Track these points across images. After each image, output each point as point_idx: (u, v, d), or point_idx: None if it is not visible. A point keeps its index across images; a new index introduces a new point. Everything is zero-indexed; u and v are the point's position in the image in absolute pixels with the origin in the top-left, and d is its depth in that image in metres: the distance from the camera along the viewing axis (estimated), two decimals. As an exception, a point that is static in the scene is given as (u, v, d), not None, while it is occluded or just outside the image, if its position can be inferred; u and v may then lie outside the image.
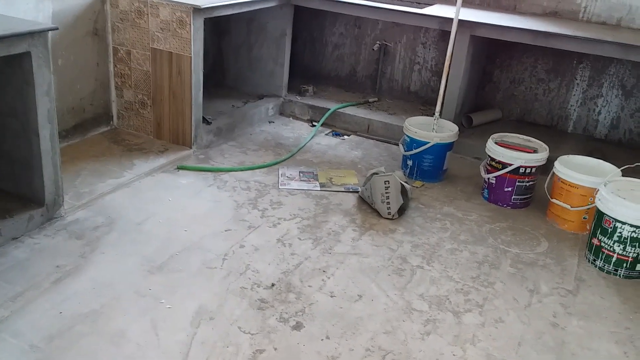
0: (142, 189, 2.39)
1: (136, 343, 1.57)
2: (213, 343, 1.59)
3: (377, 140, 3.16)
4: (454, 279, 1.97)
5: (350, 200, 2.46)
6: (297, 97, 3.45)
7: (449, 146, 2.67)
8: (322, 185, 2.56)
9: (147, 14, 2.65)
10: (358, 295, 1.85)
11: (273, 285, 1.87)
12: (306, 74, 3.77)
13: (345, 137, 3.18)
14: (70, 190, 2.27)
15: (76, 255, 1.92)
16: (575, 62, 3.14)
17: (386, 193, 2.30)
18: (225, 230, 2.15)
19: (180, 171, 2.57)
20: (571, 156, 2.46)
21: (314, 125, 3.26)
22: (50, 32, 1.96)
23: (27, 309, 1.66)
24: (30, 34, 1.88)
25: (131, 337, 1.59)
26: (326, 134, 3.19)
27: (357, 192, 2.51)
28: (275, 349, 1.60)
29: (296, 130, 3.20)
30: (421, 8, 3.02)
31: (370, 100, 3.50)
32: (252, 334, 1.64)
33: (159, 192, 2.38)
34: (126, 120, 2.90)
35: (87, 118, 2.78)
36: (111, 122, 2.92)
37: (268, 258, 2.00)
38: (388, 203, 2.30)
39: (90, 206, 2.21)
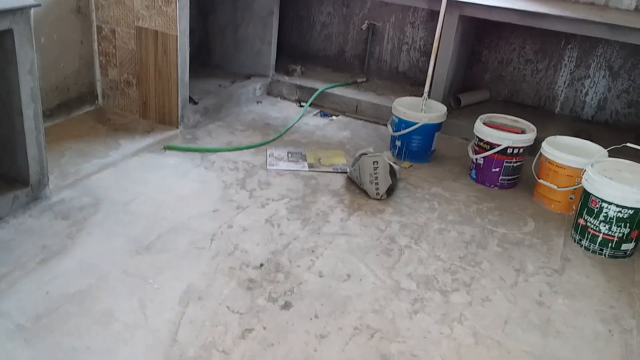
0: (129, 169, 2.36)
1: (124, 322, 1.57)
2: (202, 322, 1.59)
3: (365, 120, 3.15)
4: (442, 258, 1.99)
5: (339, 180, 2.46)
6: (284, 77, 3.41)
7: (437, 127, 2.66)
8: (310, 165, 2.55)
9: (131, -9, 2.59)
10: (347, 274, 1.86)
11: (262, 265, 1.86)
12: (294, 53, 3.74)
13: (334, 117, 3.17)
14: (55, 170, 2.23)
15: (62, 235, 1.90)
16: (563, 42, 3.14)
17: (375, 173, 2.30)
18: (213, 211, 2.14)
19: (167, 151, 2.54)
20: (558, 137, 2.47)
21: (302, 106, 3.24)
22: (32, 8, 1.91)
23: (13, 289, 1.64)
24: (12, 11, 1.83)
25: (119, 317, 1.58)
26: (314, 115, 3.17)
27: (346, 172, 2.50)
28: (264, 328, 1.60)
29: (284, 111, 3.17)
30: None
31: (359, 80, 3.48)
32: (240, 314, 1.64)
33: (146, 172, 2.36)
34: (111, 100, 2.85)
35: (71, 97, 2.73)
36: (96, 102, 2.87)
37: (256, 238, 2.00)
38: (377, 183, 2.30)
39: (75, 186, 2.19)
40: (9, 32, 1.84)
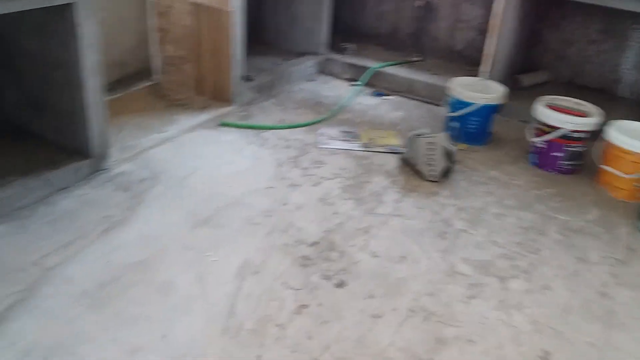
0: (185, 144, 2.40)
1: (183, 294, 1.60)
2: (258, 297, 1.61)
3: (419, 101, 3.08)
4: (499, 244, 1.94)
5: (392, 161, 2.42)
6: (337, 55, 3.37)
7: (495, 108, 2.58)
8: (363, 145, 2.52)
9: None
10: (401, 256, 1.84)
11: (316, 243, 1.86)
12: (346, 31, 3.68)
13: (387, 97, 3.12)
14: (114, 143, 2.29)
15: (123, 207, 1.95)
16: (629, 22, 2.98)
17: (430, 155, 2.26)
18: (267, 188, 2.15)
19: (222, 127, 2.56)
20: (624, 121, 2.36)
21: (354, 85, 3.20)
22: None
23: (78, 257, 1.70)
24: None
25: (178, 288, 1.62)
26: (367, 94, 3.13)
27: (400, 153, 2.47)
28: (319, 304, 1.60)
29: (336, 89, 3.14)
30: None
31: (413, 59, 3.40)
32: (295, 290, 1.65)
33: (201, 147, 2.39)
34: (167, 76, 2.89)
35: (129, 72, 2.78)
36: (153, 77, 2.92)
37: (310, 216, 2.00)
38: (431, 165, 2.25)
39: (135, 159, 2.24)
40: (72, 5, 1.88)
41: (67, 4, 1.86)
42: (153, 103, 2.72)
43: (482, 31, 3.31)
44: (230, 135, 2.51)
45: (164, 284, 1.63)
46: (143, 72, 2.86)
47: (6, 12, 1.69)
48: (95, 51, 2.00)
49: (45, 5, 1.80)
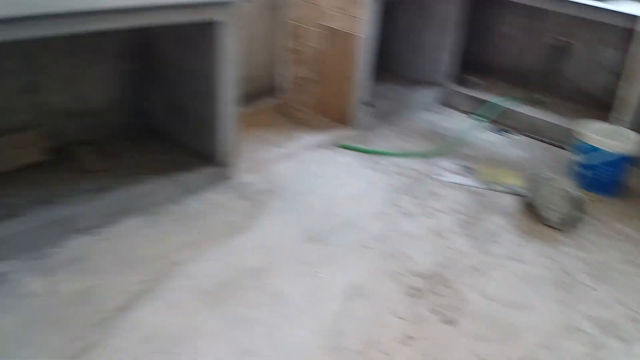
0: (304, 161, 2.48)
1: (293, 304, 1.65)
2: (364, 319, 1.62)
3: (544, 142, 2.95)
4: (626, 304, 1.79)
5: (512, 202, 2.33)
6: (460, 87, 3.34)
7: (629, 158, 2.41)
8: (481, 182, 2.46)
9: (324, -8, 2.71)
10: (516, 302, 1.76)
11: (426, 275, 1.84)
12: (471, 64, 3.63)
13: (509, 134, 3.02)
14: (240, 154, 2.42)
15: (244, 214, 2.05)
16: None
17: (554, 200, 2.15)
18: (380, 213, 2.16)
19: (340, 149, 2.62)
20: None
21: (475, 119, 3.14)
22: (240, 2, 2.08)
23: (201, 256, 1.82)
24: (225, 4, 2.01)
25: (289, 298, 1.67)
26: (488, 129, 3.06)
27: (521, 194, 2.37)
28: (426, 338, 1.57)
29: (456, 122, 3.10)
30: (605, 2, 2.74)
31: (539, 98, 3.27)
32: (402, 319, 1.64)
33: (320, 166, 2.46)
34: (292, 95, 3.02)
35: (257, 88, 2.94)
36: (278, 95, 3.06)
37: (422, 247, 1.98)
38: (555, 211, 2.14)
39: (257, 172, 2.35)
40: (218, 23, 2.03)
41: (215, 20, 2.02)
42: (276, 119, 2.85)
43: (618, 75, 3.12)
44: (348, 158, 2.56)
45: (276, 293, 1.69)
46: (269, 89, 3.02)
47: (157, 23, 1.86)
48: (234, 66, 2.15)
49: (193, 20, 1.96)
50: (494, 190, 2.40)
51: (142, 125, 2.45)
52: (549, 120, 3.01)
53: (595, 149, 2.41)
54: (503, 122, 3.12)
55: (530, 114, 3.08)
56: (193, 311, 1.60)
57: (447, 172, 2.52)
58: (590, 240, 2.11)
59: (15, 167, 2.04)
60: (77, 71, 2.21)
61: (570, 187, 2.18)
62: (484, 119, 3.11)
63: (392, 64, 3.53)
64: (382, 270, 1.84)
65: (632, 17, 2.58)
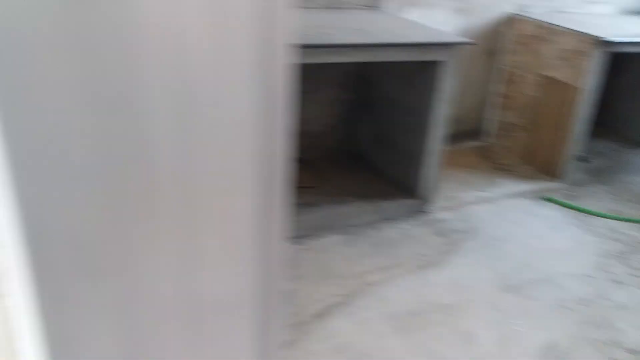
0: (504, 208, 2.41)
1: (483, 350, 1.59)
2: (561, 385, 1.50)
3: None
4: None
5: None
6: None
7: None
8: None
9: (546, 40, 2.63)
10: None
11: (637, 352, 1.64)
12: None
13: None
14: (440, 191, 2.44)
15: (438, 250, 2.06)
16: None
17: None
18: (586, 275, 1.99)
19: (544, 202, 2.49)
20: None
21: None
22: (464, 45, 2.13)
23: (393, 282, 1.87)
24: (449, 45, 2.08)
25: (478, 342, 1.62)
26: None
27: None
28: (634, 423, 1.40)
29: (685, 192, 2.73)
30: None
31: None
32: (605, 395, 1.48)
33: (519, 216, 2.36)
34: (498, 140, 2.96)
35: (463, 130, 2.95)
36: (483, 138, 3.03)
37: (634, 321, 1.77)
38: None
39: (455, 210, 2.34)
40: (441, 63, 2.10)
41: (439, 60, 2.09)
42: (478, 163, 2.81)
43: None
44: (551, 212, 2.42)
45: (466, 333, 1.65)
46: (475, 132, 3.00)
47: (387, 60, 1.98)
48: (447, 105, 2.19)
49: (420, 60, 2.05)
50: None
51: (347, 150, 2.62)
52: None
53: None
54: None
55: None
56: (383, 333, 1.64)
57: (671, 244, 2.23)
58: None
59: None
60: (304, 96, 2.47)
61: None
62: None
63: (612, 120, 3.26)
64: (583, 335, 1.69)
65: None
